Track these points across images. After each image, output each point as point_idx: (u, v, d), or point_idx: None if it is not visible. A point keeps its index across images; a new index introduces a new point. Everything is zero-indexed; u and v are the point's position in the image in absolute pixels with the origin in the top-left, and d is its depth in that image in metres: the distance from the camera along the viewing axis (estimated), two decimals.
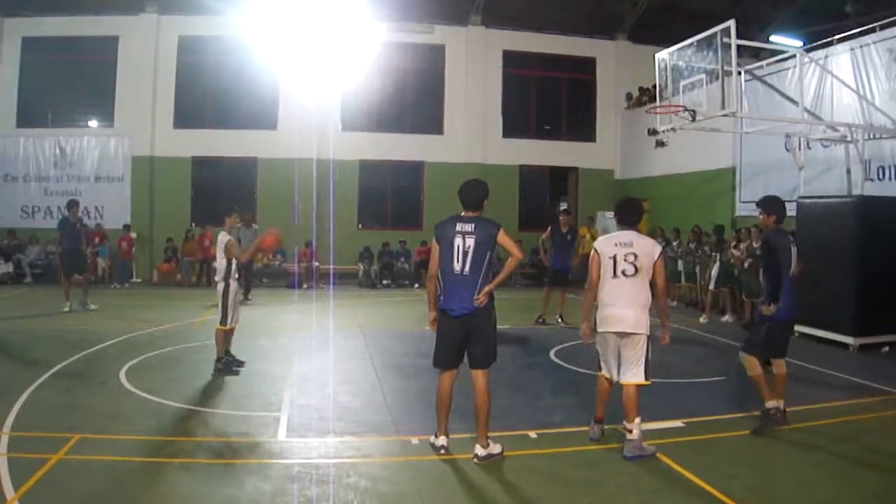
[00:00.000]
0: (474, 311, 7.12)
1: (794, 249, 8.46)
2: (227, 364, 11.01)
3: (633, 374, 7.37)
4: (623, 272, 7.41)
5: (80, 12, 24.78)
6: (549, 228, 16.62)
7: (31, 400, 9.10)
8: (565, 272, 16.58)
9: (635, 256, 7.39)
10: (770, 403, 8.32)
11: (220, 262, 11.05)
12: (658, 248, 7.60)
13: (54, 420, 8.23)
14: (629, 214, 7.82)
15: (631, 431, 7.25)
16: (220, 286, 11.05)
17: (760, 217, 8.85)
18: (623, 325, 7.38)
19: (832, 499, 6.53)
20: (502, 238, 7.25)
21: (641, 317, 7.34)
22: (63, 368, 10.93)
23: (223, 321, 11.01)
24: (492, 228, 7.20)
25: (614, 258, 7.47)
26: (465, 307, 7.11)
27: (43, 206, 24.93)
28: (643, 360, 7.36)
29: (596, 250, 7.66)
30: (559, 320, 16.32)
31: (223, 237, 11.07)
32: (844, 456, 7.59)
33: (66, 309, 16.71)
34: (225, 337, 11.14)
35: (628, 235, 7.59)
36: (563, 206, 27.63)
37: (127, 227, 24.17)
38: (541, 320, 16.45)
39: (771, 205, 8.79)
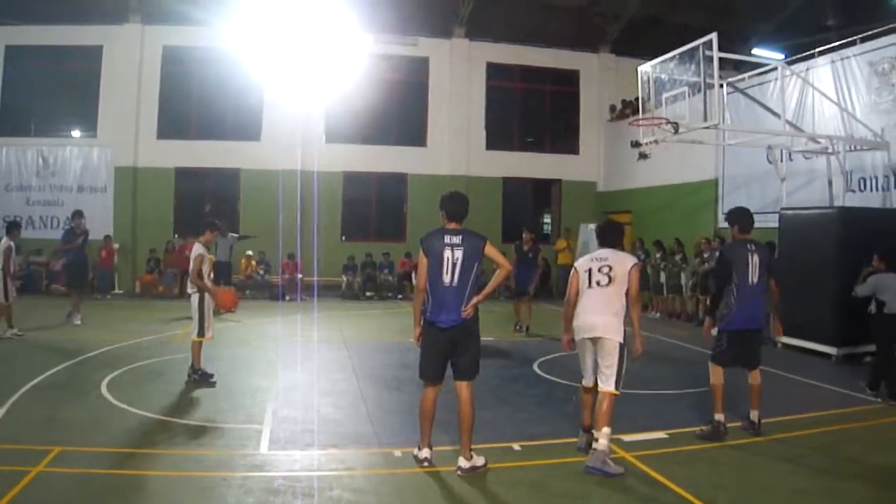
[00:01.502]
0: (461, 322, 7.12)
1: (753, 259, 8.57)
2: (204, 375, 10.98)
3: (605, 382, 7.41)
4: (597, 282, 7.58)
5: (64, 21, 24.66)
6: (514, 247, 16.92)
7: (11, 412, 9.04)
8: (525, 286, 16.88)
9: (609, 268, 7.57)
10: (717, 417, 8.44)
11: (191, 274, 11.05)
12: (633, 260, 7.79)
13: (35, 432, 8.16)
14: (610, 236, 8.08)
15: (598, 440, 7.22)
16: (195, 297, 11.03)
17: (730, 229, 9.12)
18: (594, 331, 7.50)
19: None
20: (490, 250, 7.26)
21: (612, 323, 7.44)
22: (44, 380, 10.85)
23: (200, 332, 10.99)
24: (479, 241, 7.21)
25: (589, 271, 7.67)
26: (453, 319, 7.11)
27: (25, 216, 24.69)
28: (615, 368, 7.38)
29: (575, 269, 7.87)
30: (525, 329, 16.98)
31: (197, 248, 11.05)
32: (829, 466, 7.63)
33: (78, 322, 16.51)
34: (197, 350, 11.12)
35: (606, 252, 7.82)
36: (559, 222, 27.70)
37: (108, 238, 23.98)
38: (518, 327, 17.16)
39: (731, 216, 9.30)
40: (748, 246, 8.68)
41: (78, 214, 17.59)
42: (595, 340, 7.51)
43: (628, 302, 7.59)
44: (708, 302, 9.40)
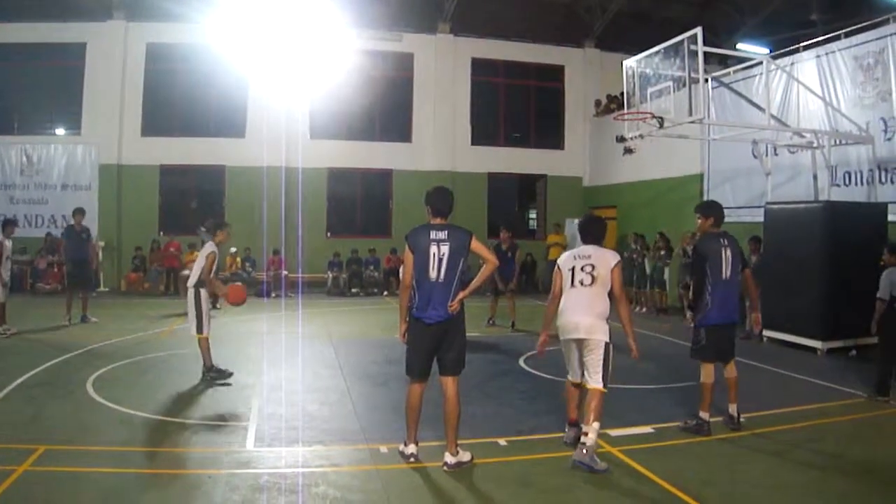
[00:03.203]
0: (448, 318, 7.13)
1: (726, 253, 8.56)
2: (221, 373, 10.97)
3: (593, 380, 7.42)
4: (581, 282, 7.54)
5: (47, 18, 24.49)
6: (494, 246, 17.03)
7: None
8: (506, 282, 16.91)
9: (592, 267, 7.54)
10: (703, 415, 8.47)
11: (195, 273, 10.99)
12: (616, 258, 7.70)
13: (20, 431, 8.13)
14: (591, 232, 8.00)
15: (587, 434, 7.20)
16: (191, 293, 10.98)
17: (698, 221, 9.01)
18: (578, 331, 7.48)
19: (801, 503, 6.56)
20: (476, 245, 7.25)
21: (596, 323, 7.42)
22: (29, 379, 10.79)
23: (200, 329, 10.95)
24: (464, 236, 7.21)
25: (573, 269, 7.64)
26: (440, 315, 7.11)
27: (9, 215, 24.48)
28: (601, 366, 7.38)
29: (558, 266, 7.85)
30: (511, 325, 17.00)
31: (209, 248, 11.00)
32: (814, 459, 7.66)
33: (65, 323, 16.35)
34: (204, 348, 11.09)
35: (588, 249, 7.76)
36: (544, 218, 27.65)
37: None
38: (491, 322, 17.40)
39: (707, 208, 9.18)
40: (721, 240, 8.65)
41: (79, 212, 17.43)
42: (580, 342, 7.52)
43: (613, 301, 7.59)
44: (690, 296, 9.36)
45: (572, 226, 24.17)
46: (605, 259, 7.60)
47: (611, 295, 7.56)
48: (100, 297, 21.93)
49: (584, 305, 7.47)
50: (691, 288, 9.26)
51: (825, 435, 8.53)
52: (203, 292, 10.99)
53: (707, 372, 8.54)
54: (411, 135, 27.95)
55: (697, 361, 8.64)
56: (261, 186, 24.20)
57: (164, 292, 23.73)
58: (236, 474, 6.94)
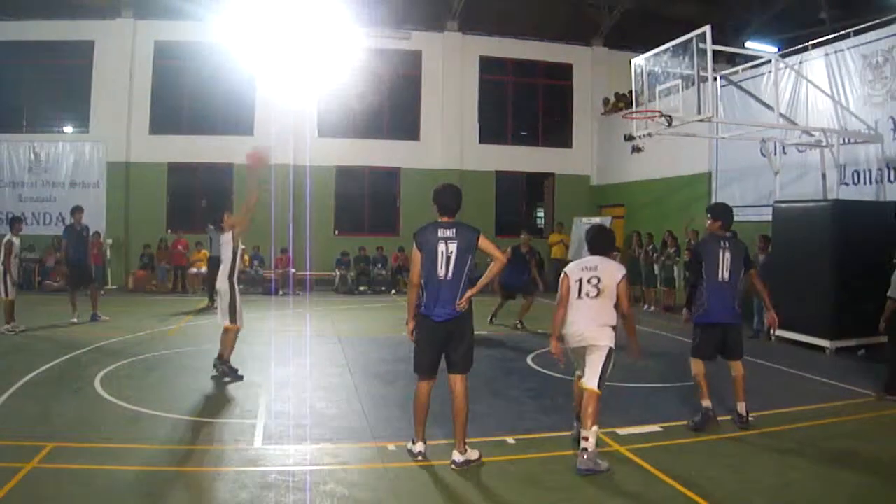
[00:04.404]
0: (456, 316, 7.13)
1: (725, 255, 8.60)
2: (232, 370, 10.96)
3: (589, 380, 7.43)
4: (587, 294, 7.56)
5: (55, 16, 24.59)
6: (510, 249, 16.88)
7: (3, 408, 9.02)
8: (520, 286, 16.86)
9: (598, 280, 7.54)
10: (704, 403, 8.56)
11: (225, 262, 11.01)
12: (622, 272, 7.73)
13: (27, 428, 8.13)
14: (600, 244, 8.00)
15: (587, 440, 7.14)
16: (226, 285, 10.92)
17: (708, 222, 9.03)
18: (584, 341, 7.52)
19: (810, 501, 6.54)
20: (483, 243, 7.24)
21: (601, 333, 7.45)
22: (36, 376, 10.80)
23: (234, 319, 10.91)
24: (472, 234, 7.21)
25: (580, 281, 7.62)
26: (448, 312, 7.11)
27: (17, 213, 24.56)
28: (600, 367, 7.39)
29: (566, 274, 7.81)
30: (521, 325, 16.84)
31: (227, 236, 11.01)
32: (822, 458, 7.63)
33: (74, 320, 16.32)
34: (230, 340, 11.05)
35: (595, 260, 7.76)
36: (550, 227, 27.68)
37: (97, 234, 23.76)
38: (492, 320, 17.16)
39: (717, 211, 9.20)
40: (721, 242, 8.69)
41: (78, 210, 17.35)
42: (586, 347, 7.53)
43: (620, 316, 7.63)
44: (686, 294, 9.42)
45: (580, 224, 24.12)
46: (611, 272, 7.61)
47: (618, 308, 7.60)
48: (107, 295, 21.94)
49: (589, 317, 7.50)
50: (686, 286, 9.30)
51: (834, 434, 8.52)
52: (235, 285, 11.00)
53: (696, 364, 8.70)
54: (419, 133, 27.93)
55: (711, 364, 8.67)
56: (269, 184, 24.17)
57: (172, 290, 23.81)
58: (244, 472, 6.94)
